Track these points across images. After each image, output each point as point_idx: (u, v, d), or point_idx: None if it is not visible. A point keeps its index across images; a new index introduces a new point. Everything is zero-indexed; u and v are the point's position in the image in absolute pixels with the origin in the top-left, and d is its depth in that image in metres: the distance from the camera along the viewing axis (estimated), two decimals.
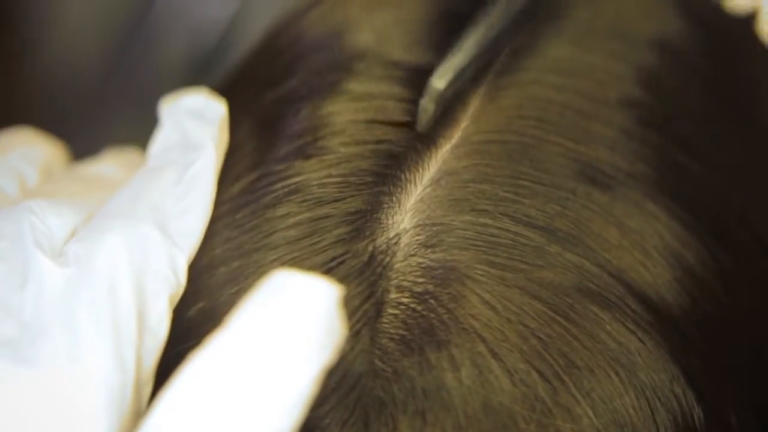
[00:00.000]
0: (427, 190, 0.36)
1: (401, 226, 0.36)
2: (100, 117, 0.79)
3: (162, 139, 0.39)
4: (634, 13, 0.41)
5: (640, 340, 0.35)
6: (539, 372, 0.34)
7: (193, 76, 0.76)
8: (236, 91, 0.42)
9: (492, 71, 0.39)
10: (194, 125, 0.38)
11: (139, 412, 0.34)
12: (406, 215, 0.36)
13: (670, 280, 0.36)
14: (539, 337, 0.35)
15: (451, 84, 0.37)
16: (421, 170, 0.37)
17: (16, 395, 0.32)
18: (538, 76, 0.38)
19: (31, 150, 0.41)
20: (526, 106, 0.38)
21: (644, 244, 0.36)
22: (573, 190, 0.37)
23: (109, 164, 0.42)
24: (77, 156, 0.45)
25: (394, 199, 0.36)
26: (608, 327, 0.35)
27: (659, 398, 0.35)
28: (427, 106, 0.37)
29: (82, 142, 0.61)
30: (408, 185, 0.37)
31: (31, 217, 0.36)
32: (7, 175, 0.40)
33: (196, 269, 0.37)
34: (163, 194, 0.37)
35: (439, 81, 0.37)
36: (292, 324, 0.31)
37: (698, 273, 0.37)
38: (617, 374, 0.35)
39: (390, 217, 0.36)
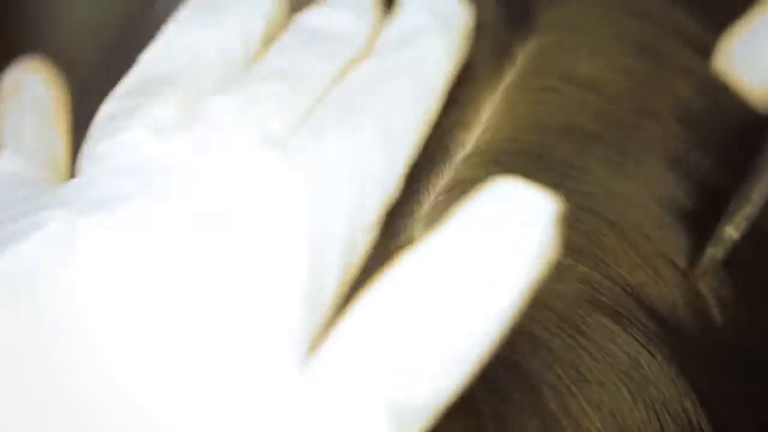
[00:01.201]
0: (440, 198, 0.36)
1: (413, 235, 0.36)
2: None
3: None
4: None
5: (651, 354, 0.35)
6: (549, 384, 0.34)
7: None
8: None
9: (508, 76, 0.38)
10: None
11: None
12: (418, 224, 0.36)
13: (682, 298, 0.36)
14: (549, 348, 0.34)
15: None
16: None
17: None
18: (559, 85, 0.38)
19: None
20: (543, 115, 0.38)
21: (657, 261, 0.36)
22: None
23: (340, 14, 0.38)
24: (76, 154, 0.45)
25: (406, 208, 0.36)
26: (619, 340, 0.35)
27: (669, 413, 0.35)
28: (718, 254, 0.36)
29: (81, 143, 0.60)
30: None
31: None
32: (230, 32, 0.37)
33: None
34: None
35: (735, 232, 0.36)
36: (507, 232, 0.30)
37: (711, 294, 0.37)
38: (627, 387, 0.35)
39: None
